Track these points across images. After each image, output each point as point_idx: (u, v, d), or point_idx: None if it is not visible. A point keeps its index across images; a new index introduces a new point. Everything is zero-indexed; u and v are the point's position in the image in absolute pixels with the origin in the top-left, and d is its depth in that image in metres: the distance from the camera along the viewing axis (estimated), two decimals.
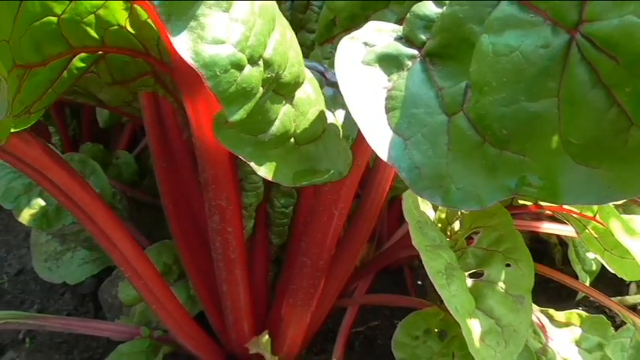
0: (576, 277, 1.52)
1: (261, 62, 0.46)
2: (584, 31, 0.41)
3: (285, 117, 0.53)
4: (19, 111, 0.60)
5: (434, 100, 0.50)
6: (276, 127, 0.52)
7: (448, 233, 1.07)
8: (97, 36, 0.66)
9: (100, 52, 0.69)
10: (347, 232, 1.10)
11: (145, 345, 1.28)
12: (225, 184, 0.89)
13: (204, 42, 0.41)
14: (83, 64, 0.68)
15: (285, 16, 1.00)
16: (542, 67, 0.43)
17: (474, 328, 0.84)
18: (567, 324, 1.22)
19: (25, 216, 1.27)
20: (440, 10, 0.53)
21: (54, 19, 0.61)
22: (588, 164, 0.43)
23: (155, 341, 1.29)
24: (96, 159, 1.45)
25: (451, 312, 0.83)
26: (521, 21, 0.45)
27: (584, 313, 1.21)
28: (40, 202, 1.31)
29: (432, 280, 0.85)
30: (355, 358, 1.41)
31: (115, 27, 0.67)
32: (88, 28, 0.65)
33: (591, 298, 1.49)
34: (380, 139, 0.49)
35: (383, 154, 0.48)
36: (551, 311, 1.23)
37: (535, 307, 1.23)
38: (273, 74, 0.48)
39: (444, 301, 0.83)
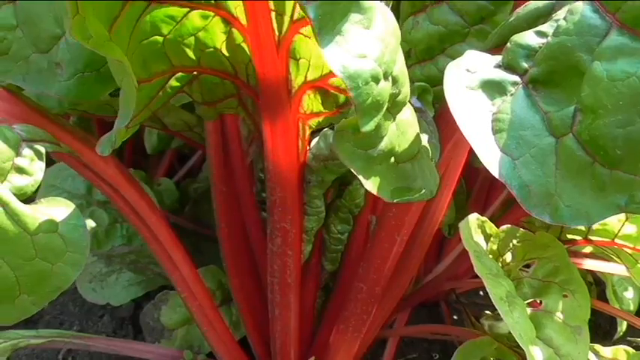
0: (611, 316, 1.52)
1: (390, 78, 0.48)
2: None
3: (392, 134, 0.55)
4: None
5: (540, 123, 0.52)
6: (384, 144, 0.55)
7: (500, 264, 1.08)
8: (194, 57, 0.69)
9: (195, 73, 0.72)
10: (399, 263, 1.11)
11: None
12: (292, 207, 0.91)
13: (350, 55, 0.43)
14: (178, 84, 0.72)
15: None
16: None
17: (537, 354, 0.85)
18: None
19: None
20: (541, 41, 0.55)
21: (160, 38, 0.65)
22: None
23: None
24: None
25: (516, 338, 0.84)
26: (635, 49, 0.47)
27: (631, 350, 1.21)
28: (91, 223, 1.33)
29: (496, 307, 0.85)
30: None
31: (211, 49, 0.70)
32: (187, 49, 0.68)
33: (629, 338, 1.49)
34: (490, 157, 0.51)
35: (495, 171, 0.50)
36: (597, 347, 1.22)
37: None
38: (397, 91, 0.51)
39: (510, 327, 0.84)
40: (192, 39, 0.67)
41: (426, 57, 0.85)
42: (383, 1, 0.91)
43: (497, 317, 1.19)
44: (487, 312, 1.63)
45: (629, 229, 1.10)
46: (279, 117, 0.76)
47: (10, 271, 0.67)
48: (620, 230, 1.11)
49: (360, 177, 0.55)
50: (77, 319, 1.54)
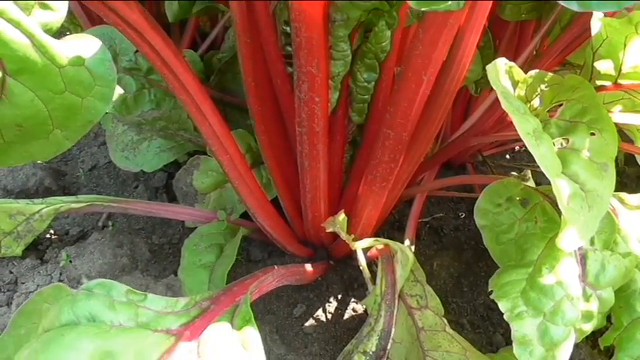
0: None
1: None
2: None
3: None
4: None
5: None
6: None
7: (529, 109, 1.08)
8: None
9: None
10: (426, 110, 1.11)
11: (223, 227, 1.34)
12: (317, 49, 0.90)
13: None
14: None
15: None
16: None
17: (563, 187, 0.86)
18: (639, 207, 1.23)
19: None
20: None
21: None
22: None
23: (232, 224, 1.35)
24: None
25: (543, 170, 0.85)
26: None
27: None
28: (119, 89, 1.35)
29: (524, 141, 0.86)
30: (423, 246, 1.45)
31: None
32: None
33: None
34: None
35: None
36: (623, 195, 1.23)
37: None
38: None
39: (537, 160, 0.85)
40: None
41: None
42: None
43: (523, 177, 1.20)
44: (513, 173, 1.65)
45: None
46: None
47: (42, 104, 0.69)
48: None
49: None
50: (112, 190, 1.60)
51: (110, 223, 1.48)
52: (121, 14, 0.84)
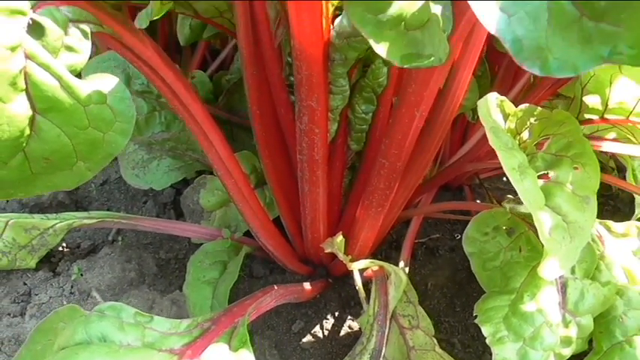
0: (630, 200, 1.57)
1: None
2: None
3: (400, 1, 0.60)
4: None
5: None
6: (393, 10, 0.60)
7: (518, 142, 1.14)
8: None
9: None
10: (420, 140, 1.17)
11: (227, 245, 1.40)
12: (317, 85, 0.97)
13: None
14: None
15: None
16: None
17: (545, 220, 0.92)
18: (625, 235, 1.28)
19: None
20: None
21: None
22: None
23: (236, 242, 1.41)
24: None
25: (525, 204, 0.90)
26: None
27: None
28: None
29: (508, 176, 0.92)
30: (418, 266, 1.51)
31: None
32: None
33: None
34: (488, 15, 0.56)
35: (491, 28, 0.55)
36: (610, 223, 1.29)
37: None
38: None
39: (519, 195, 0.91)
40: None
41: None
42: None
43: (518, 200, 1.26)
44: (509, 196, 1.70)
45: None
46: None
47: (67, 139, 0.75)
48: (634, 108, 1.15)
49: (371, 41, 0.60)
50: (123, 205, 1.66)
51: (120, 238, 1.54)
52: (136, 52, 0.91)
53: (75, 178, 0.80)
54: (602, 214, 1.78)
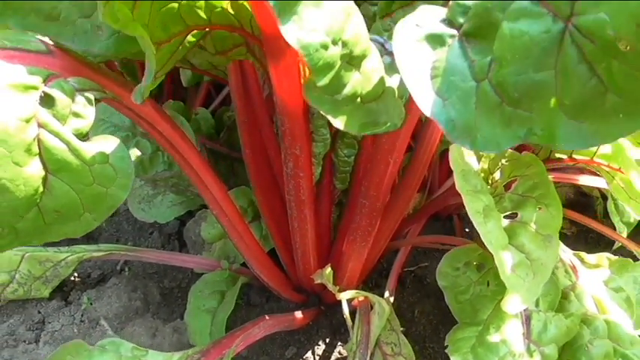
0: (615, 228, 1.65)
1: (340, 43, 0.63)
2: (573, 22, 0.56)
3: (355, 82, 0.70)
4: None
5: (467, 70, 0.66)
6: (347, 90, 0.69)
7: (490, 181, 1.23)
8: (205, 16, 0.84)
9: (207, 29, 0.87)
10: (401, 179, 1.27)
11: (225, 275, 1.50)
12: (300, 136, 1.07)
13: (303, 30, 0.58)
14: (194, 39, 0.87)
15: None
16: (544, 47, 0.59)
17: (506, 259, 1.01)
18: (597, 266, 1.36)
19: None
20: (474, 1, 0.69)
21: (175, 4, 0.80)
22: (577, 119, 0.59)
23: (234, 273, 1.51)
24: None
25: (487, 245, 1.00)
26: (532, 12, 0.60)
27: (612, 257, 1.35)
28: (137, 152, 1.53)
29: (471, 219, 1.01)
30: (406, 294, 1.60)
31: (219, 9, 0.85)
32: (199, 11, 0.84)
33: (628, 249, 1.63)
34: (425, 99, 0.66)
35: (427, 111, 0.65)
36: (583, 254, 1.37)
37: (568, 250, 1.39)
38: (348, 51, 0.65)
39: (481, 237, 1.00)
40: (202, 2, 0.82)
41: (406, 3, 0.98)
42: None
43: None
44: None
45: (606, 149, 1.22)
46: (282, 61, 0.91)
47: (75, 194, 0.86)
48: (598, 149, 1.23)
49: (329, 117, 0.70)
50: (130, 236, 1.77)
51: (127, 267, 1.65)
52: (135, 111, 1.02)
53: (82, 227, 0.90)
54: (586, 241, 1.87)
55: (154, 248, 1.74)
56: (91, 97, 0.89)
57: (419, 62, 0.68)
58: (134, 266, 1.66)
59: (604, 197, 1.87)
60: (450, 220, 1.83)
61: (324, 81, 0.63)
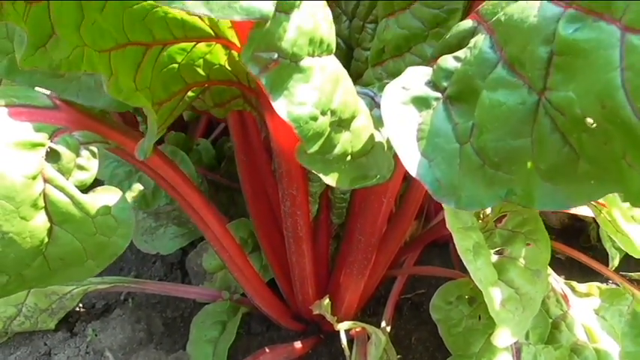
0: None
1: (329, 113, 0.67)
2: (546, 96, 0.60)
3: (344, 141, 0.74)
4: None
5: (451, 132, 0.70)
6: (338, 150, 0.73)
7: (481, 216, 1.27)
8: (204, 74, 0.89)
9: (206, 85, 0.92)
10: (396, 213, 1.31)
11: (226, 306, 1.54)
12: (296, 177, 1.11)
13: (293, 105, 0.62)
14: (193, 94, 0.92)
15: (344, 34, 1.21)
16: (521, 117, 0.63)
17: (495, 295, 1.04)
18: (588, 295, 1.40)
19: (128, 198, 1.53)
20: (457, 65, 0.73)
21: (176, 65, 0.85)
22: (552, 183, 0.63)
23: (234, 303, 1.55)
24: (179, 145, 1.71)
25: (476, 283, 1.03)
26: (509, 83, 0.64)
27: (602, 286, 1.39)
28: (139, 186, 1.57)
29: (461, 257, 1.05)
30: (403, 321, 1.63)
31: (217, 66, 0.89)
32: (198, 69, 0.88)
33: (621, 273, 1.66)
34: (411, 161, 0.70)
35: (413, 172, 0.69)
36: (574, 283, 1.41)
37: (560, 279, 1.42)
38: (337, 118, 0.69)
39: (471, 274, 1.04)
40: (201, 61, 0.87)
41: (396, 54, 1.02)
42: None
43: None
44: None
45: None
46: (277, 112, 0.95)
47: (78, 243, 0.90)
48: None
49: (320, 175, 0.74)
50: (134, 265, 1.81)
51: (131, 298, 1.68)
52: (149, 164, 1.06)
53: (85, 273, 0.95)
54: (580, 266, 1.91)
55: (157, 277, 1.78)
56: (95, 149, 0.93)
57: (405, 125, 0.72)
58: (137, 296, 1.70)
59: (597, 223, 1.90)
60: (446, 247, 1.86)
61: (314, 148, 0.67)
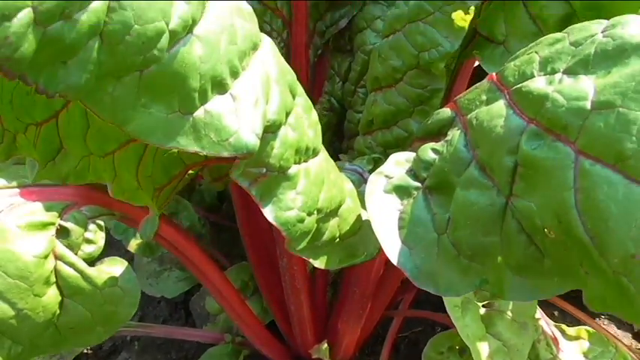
0: None
1: (315, 212, 0.73)
2: (512, 201, 0.66)
3: (332, 227, 0.79)
4: None
5: (430, 222, 0.76)
6: (326, 236, 0.79)
7: None
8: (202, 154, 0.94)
9: (204, 164, 0.98)
10: (386, 272, 1.36)
11: (229, 349, 1.59)
12: None
13: (281, 210, 0.68)
14: (192, 172, 0.98)
15: (337, 94, 1.27)
16: (490, 217, 0.68)
17: (483, 350, 1.10)
18: (577, 337, 1.45)
19: (133, 245, 1.59)
20: (435, 157, 0.79)
21: (175, 150, 0.90)
22: (521, 276, 0.69)
23: (236, 346, 1.60)
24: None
25: (463, 339, 1.09)
26: (481, 183, 0.70)
27: (591, 329, 1.44)
28: None
29: (449, 313, 1.10)
30: (400, 358, 1.68)
31: None
32: None
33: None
34: (393, 249, 0.75)
35: (394, 260, 0.75)
36: (564, 326, 1.46)
37: (550, 322, 1.47)
38: (323, 214, 0.75)
39: (458, 330, 1.09)
40: None
41: (384, 126, 1.08)
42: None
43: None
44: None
45: None
46: None
47: (88, 314, 0.96)
48: None
49: (310, 260, 0.80)
50: (140, 305, 1.85)
51: (136, 340, 1.74)
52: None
53: (95, 339, 1.01)
54: (576, 294, 1.95)
55: (162, 317, 1.84)
56: (102, 223, 0.99)
57: (387, 215, 0.77)
58: (143, 337, 1.75)
59: None
60: None
61: (301, 245, 0.73)
